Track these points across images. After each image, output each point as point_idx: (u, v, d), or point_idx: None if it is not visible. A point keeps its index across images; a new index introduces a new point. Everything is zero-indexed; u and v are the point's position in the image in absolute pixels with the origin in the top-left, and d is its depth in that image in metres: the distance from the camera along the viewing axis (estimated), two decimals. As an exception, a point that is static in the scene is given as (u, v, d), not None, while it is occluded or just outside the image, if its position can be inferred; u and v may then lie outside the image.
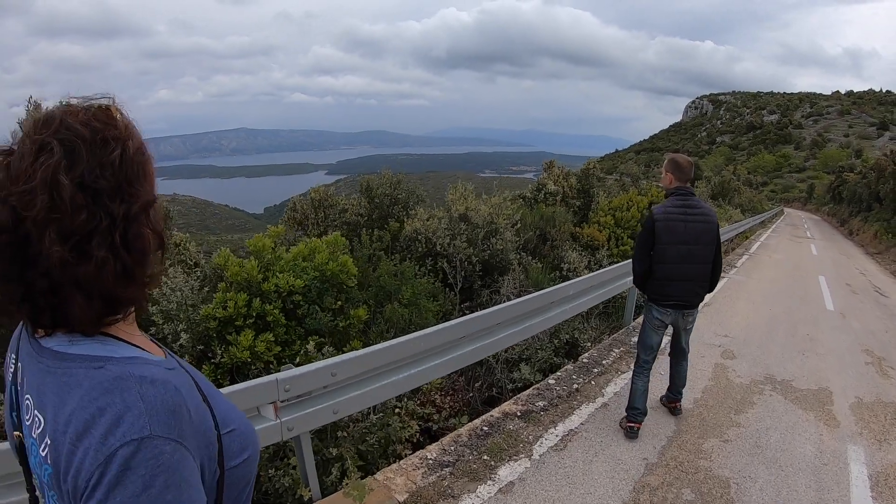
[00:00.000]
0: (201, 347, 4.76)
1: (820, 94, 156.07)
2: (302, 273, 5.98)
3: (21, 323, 0.96)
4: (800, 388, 5.68)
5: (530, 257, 9.34)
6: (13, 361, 0.98)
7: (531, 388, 5.10)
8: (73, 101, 0.87)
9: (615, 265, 6.80)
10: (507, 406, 4.71)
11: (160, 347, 0.98)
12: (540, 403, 4.78)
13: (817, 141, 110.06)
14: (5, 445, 2.13)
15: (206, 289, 5.61)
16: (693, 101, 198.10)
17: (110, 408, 0.76)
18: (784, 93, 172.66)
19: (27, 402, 0.89)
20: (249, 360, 4.57)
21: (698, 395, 5.24)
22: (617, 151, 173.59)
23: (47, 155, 0.77)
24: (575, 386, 5.22)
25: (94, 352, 0.84)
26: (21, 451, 0.95)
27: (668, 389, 4.76)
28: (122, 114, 0.88)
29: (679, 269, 4.14)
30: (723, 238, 17.45)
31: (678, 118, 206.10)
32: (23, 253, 0.78)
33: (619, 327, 7.36)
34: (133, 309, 0.92)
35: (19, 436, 0.95)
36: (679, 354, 4.61)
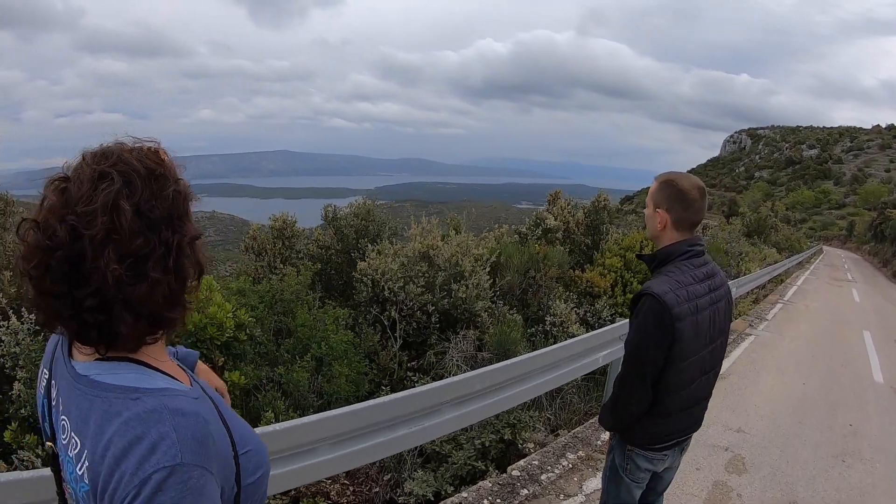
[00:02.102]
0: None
1: (860, 129, 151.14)
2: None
3: (53, 341, 1.08)
4: (836, 529, 3.94)
5: (508, 307, 7.75)
6: (45, 378, 1.07)
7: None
8: (124, 141, 0.96)
9: (575, 338, 4.89)
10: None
11: (185, 373, 1.06)
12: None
13: (857, 176, 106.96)
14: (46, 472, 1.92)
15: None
16: (731, 136, 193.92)
17: (146, 437, 0.84)
18: (823, 127, 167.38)
19: (63, 422, 0.96)
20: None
21: (678, 547, 3.52)
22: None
23: (108, 183, 0.86)
24: (484, 522, 3.49)
25: (130, 383, 0.91)
26: (54, 460, 1.03)
27: None
28: (168, 156, 0.99)
29: (699, 390, 2.37)
30: (754, 284, 15.43)
31: (715, 152, 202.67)
32: (74, 271, 0.84)
33: (590, 414, 5.58)
34: (166, 332, 0.98)
35: (52, 446, 1.03)
36: None
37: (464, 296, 6.82)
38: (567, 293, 9.05)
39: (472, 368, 6.10)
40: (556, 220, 11.66)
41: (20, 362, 3.80)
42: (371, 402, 2.91)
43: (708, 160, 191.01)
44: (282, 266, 7.57)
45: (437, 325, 6.83)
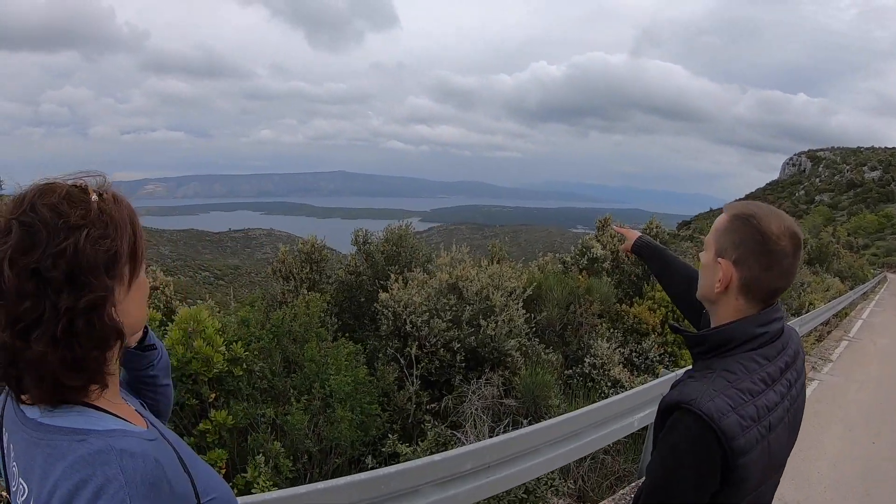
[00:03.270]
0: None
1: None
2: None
3: (4, 393, 1.01)
4: None
5: (545, 346, 7.14)
6: None
7: None
8: (59, 180, 0.88)
9: (596, 405, 4.06)
10: None
11: (143, 417, 0.99)
12: None
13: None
14: None
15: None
16: (791, 158, 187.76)
17: (92, 480, 0.78)
18: (885, 147, 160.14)
19: (13, 468, 0.92)
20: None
21: None
22: (711, 210, 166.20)
23: (4, 239, 0.80)
24: None
25: (76, 424, 0.85)
26: None
27: None
28: (99, 196, 0.88)
29: None
30: (818, 321, 14.08)
31: (773, 175, 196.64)
32: None
33: (625, 478, 4.90)
34: (105, 384, 0.91)
35: (6, 495, 0.97)
36: None
37: (493, 333, 6.24)
38: (612, 330, 8.38)
39: (493, 418, 5.50)
40: (604, 248, 10.96)
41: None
42: (326, 483, 2.36)
43: (766, 183, 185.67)
44: (306, 293, 7.17)
45: (463, 364, 6.27)
